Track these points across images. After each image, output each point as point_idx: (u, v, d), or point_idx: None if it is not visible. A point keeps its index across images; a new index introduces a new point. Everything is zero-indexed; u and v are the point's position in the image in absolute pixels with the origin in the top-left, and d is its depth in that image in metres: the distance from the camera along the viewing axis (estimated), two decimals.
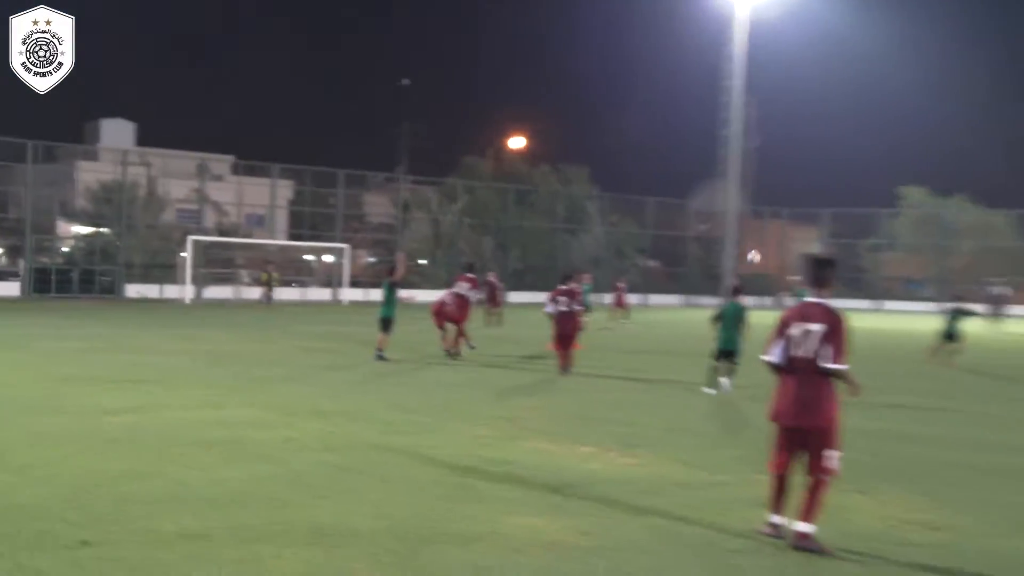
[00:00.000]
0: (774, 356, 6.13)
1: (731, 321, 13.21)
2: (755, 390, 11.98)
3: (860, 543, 5.94)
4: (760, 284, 55.90)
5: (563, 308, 15.56)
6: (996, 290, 38.39)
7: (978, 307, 34.10)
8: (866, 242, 60.79)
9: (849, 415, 6.72)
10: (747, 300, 14.66)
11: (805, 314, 6.03)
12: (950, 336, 18.58)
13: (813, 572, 5.52)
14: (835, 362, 5.83)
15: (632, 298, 37.96)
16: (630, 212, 59.42)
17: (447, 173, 55.36)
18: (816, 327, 5.90)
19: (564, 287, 15.99)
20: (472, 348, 17.64)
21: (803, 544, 5.72)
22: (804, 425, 5.88)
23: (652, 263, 61.89)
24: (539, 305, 19.04)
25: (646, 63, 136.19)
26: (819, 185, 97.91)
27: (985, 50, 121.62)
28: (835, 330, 5.89)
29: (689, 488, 7.50)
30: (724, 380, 13.15)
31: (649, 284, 57.25)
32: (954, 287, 35.44)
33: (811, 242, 61.83)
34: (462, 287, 17.92)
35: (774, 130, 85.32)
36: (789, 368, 6.00)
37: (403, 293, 20.56)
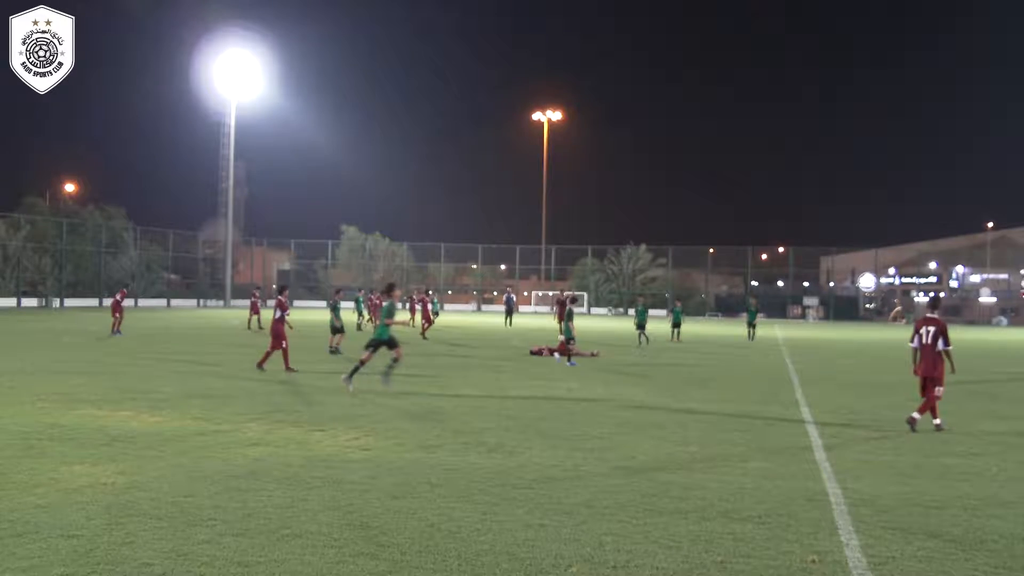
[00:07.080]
0: (913, 343, 10.79)
1: None
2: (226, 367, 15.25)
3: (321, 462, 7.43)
4: (247, 290, 68.45)
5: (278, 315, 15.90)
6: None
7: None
8: (319, 261, 79.63)
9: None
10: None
11: (927, 323, 10.69)
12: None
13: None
14: (946, 346, 10.53)
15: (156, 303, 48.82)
16: (156, 240, 70.50)
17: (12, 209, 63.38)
18: (933, 328, 10.63)
19: (281, 298, 16.35)
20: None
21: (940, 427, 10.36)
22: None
23: (173, 276, 70.93)
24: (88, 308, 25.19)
25: (170, 135, 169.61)
26: (288, 222, 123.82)
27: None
28: (942, 331, 10.49)
29: (202, 435, 8.62)
30: None
31: (171, 292, 68.80)
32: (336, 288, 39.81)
33: (283, 262, 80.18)
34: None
35: (258, 185, 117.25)
36: (922, 350, 10.56)
37: None
